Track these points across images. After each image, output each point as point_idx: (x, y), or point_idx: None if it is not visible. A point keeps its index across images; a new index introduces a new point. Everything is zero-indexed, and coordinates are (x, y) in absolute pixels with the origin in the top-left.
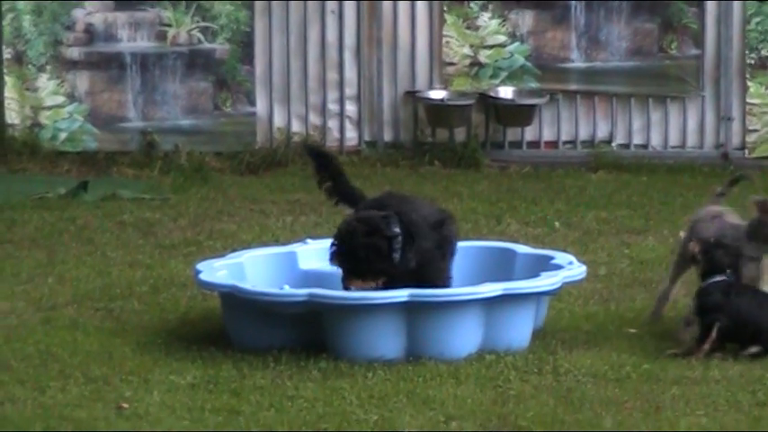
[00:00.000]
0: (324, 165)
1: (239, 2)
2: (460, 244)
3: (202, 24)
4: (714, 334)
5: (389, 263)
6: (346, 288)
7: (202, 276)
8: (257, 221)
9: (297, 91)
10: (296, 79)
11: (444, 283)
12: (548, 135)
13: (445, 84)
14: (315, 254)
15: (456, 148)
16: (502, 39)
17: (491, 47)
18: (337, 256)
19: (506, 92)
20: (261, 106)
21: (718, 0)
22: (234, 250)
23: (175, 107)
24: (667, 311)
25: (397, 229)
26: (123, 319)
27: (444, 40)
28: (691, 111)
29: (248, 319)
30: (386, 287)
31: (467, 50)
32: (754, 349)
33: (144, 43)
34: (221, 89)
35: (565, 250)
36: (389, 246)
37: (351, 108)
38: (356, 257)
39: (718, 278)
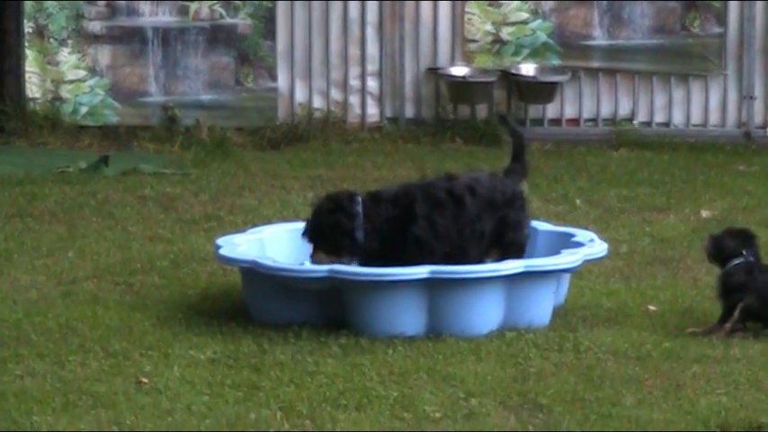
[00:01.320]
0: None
1: None
2: None
3: None
4: (737, 314)
5: (351, 240)
6: (313, 262)
7: (223, 251)
8: (278, 197)
9: (318, 67)
10: (318, 55)
11: (461, 260)
12: (569, 112)
13: (467, 61)
14: None
15: (478, 124)
16: (524, 16)
17: (513, 24)
18: (306, 232)
19: (528, 69)
20: (282, 82)
21: None
22: (254, 225)
23: (197, 82)
24: (690, 290)
25: (359, 209)
26: (143, 293)
27: (466, 16)
28: (713, 89)
29: (269, 295)
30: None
31: (489, 27)
32: None
33: (166, 18)
34: (243, 64)
35: (586, 228)
36: (353, 224)
37: (372, 84)
38: (321, 233)
39: (739, 260)
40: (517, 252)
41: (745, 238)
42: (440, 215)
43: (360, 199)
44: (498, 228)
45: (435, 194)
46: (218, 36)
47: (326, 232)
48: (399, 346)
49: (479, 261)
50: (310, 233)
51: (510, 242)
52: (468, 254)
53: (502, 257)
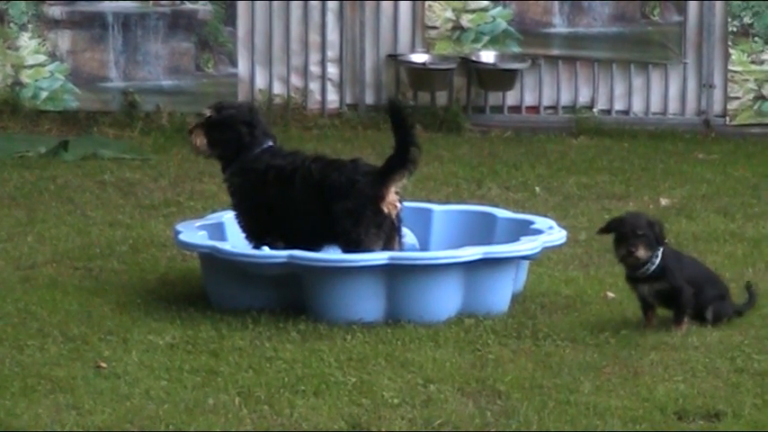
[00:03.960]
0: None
1: None
2: (441, 208)
3: None
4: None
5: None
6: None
7: (182, 237)
8: None
9: (279, 53)
10: (278, 41)
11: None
12: (529, 100)
13: (427, 47)
14: None
15: (437, 111)
16: (484, 3)
17: (473, 11)
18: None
19: (488, 56)
20: (243, 68)
21: None
22: (214, 211)
23: (157, 67)
24: None
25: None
26: (103, 278)
27: (427, 3)
28: (673, 77)
29: (228, 280)
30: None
31: (449, 14)
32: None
33: (126, 3)
34: (203, 50)
35: (545, 215)
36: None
37: (333, 70)
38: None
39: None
40: (348, 244)
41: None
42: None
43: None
44: (328, 216)
45: (282, 165)
46: (178, 22)
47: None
48: (358, 332)
49: (311, 244)
50: (207, 123)
51: (342, 232)
52: (289, 226)
53: (339, 247)
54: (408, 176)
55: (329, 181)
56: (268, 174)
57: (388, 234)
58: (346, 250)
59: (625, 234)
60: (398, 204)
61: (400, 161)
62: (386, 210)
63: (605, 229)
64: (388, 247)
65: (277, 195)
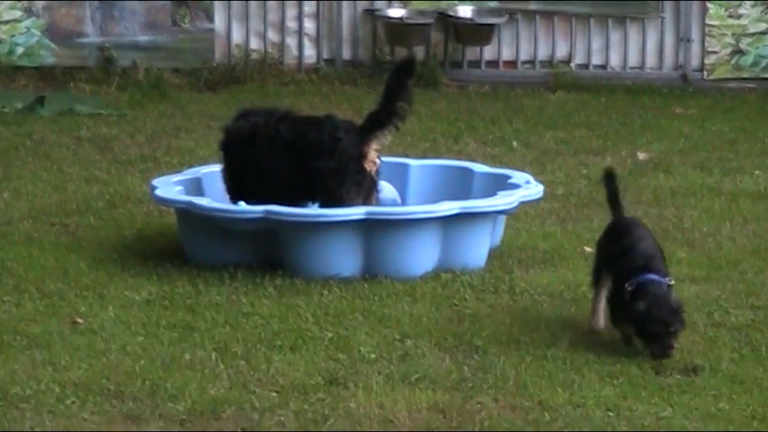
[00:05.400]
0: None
1: None
2: (418, 163)
3: None
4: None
5: None
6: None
7: (159, 192)
8: (215, 138)
9: (255, 8)
10: None
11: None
12: (507, 55)
13: (404, 2)
14: None
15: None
16: None
17: None
18: None
19: (465, 11)
20: (219, 23)
21: None
22: (191, 166)
23: (133, 23)
24: None
25: None
26: (79, 234)
27: None
28: (650, 32)
29: (204, 236)
30: None
31: None
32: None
33: None
34: (180, 5)
35: (522, 170)
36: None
37: (309, 26)
38: None
39: None
40: (330, 202)
41: None
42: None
43: None
44: (305, 173)
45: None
46: None
47: None
48: (335, 288)
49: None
50: None
51: (324, 191)
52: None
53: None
54: (391, 133)
55: (308, 139)
56: (236, 134)
57: (368, 191)
58: (327, 207)
59: (657, 333)
60: (378, 161)
61: (386, 117)
62: (367, 167)
63: (634, 324)
64: (366, 203)
65: (245, 156)
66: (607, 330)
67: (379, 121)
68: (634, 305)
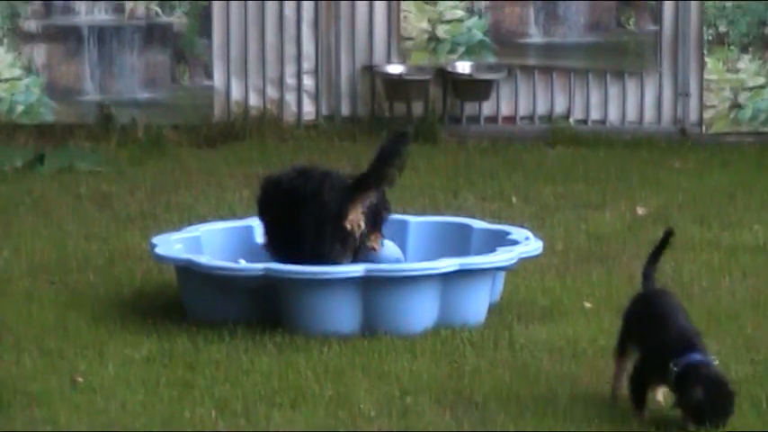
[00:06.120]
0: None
1: None
2: (417, 219)
3: None
4: None
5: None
6: None
7: (158, 250)
8: (214, 194)
9: (254, 64)
10: (253, 53)
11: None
12: (505, 110)
13: (403, 58)
14: None
15: (413, 122)
16: (460, 13)
17: (449, 21)
18: None
19: (464, 66)
20: (218, 79)
21: None
22: (190, 223)
23: (133, 80)
24: (625, 286)
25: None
26: (78, 291)
27: (402, 14)
28: (648, 86)
29: (204, 293)
30: None
31: (425, 25)
32: None
33: (102, 16)
34: (179, 62)
35: (522, 225)
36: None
37: (308, 82)
38: None
39: None
40: (311, 257)
41: None
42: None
43: None
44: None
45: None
46: (153, 34)
47: None
48: (334, 344)
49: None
50: None
51: (305, 245)
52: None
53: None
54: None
55: (297, 191)
56: (264, 186)
57: (355, 251)
58: (310, 263)
59: (716, 419)
60: (362, 223)
61: (374, 180)
62: (348, 227)
63: (689, 410)
64: (355, 262)
65: (270, 209)
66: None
67: (366, 183)
68: (690, 391)
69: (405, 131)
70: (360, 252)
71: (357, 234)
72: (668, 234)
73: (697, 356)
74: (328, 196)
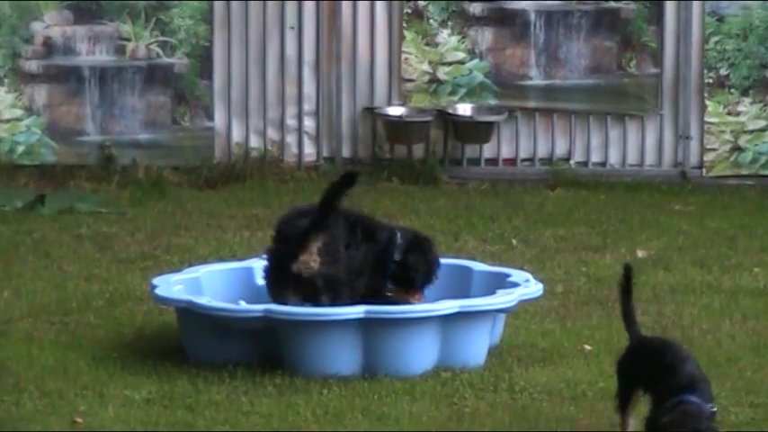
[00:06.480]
0: None
1: (199, 17)
2: None
3: (161, 39)
4: None
5: None
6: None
7: (159, 291)
8: (214, 236)
9: (255, 106)
10: (254, 94)
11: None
12: (506, 152)
13: (404, 100)
14: None
15: (414, 164)
16: (461, 56)
17: (450, 63)
18: None
19: (465, 109)
20: (219, 121)
21: (677, 19)
22: (191, 265)
23: (134, 121)
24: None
25: None
26: (79, 332)
27: (403, 56)
28: (649, 129)
29: (204, 334)
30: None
31: (426, 67)
32: None
33: (103, 57)
34: (179, 103)
35: (522, 267)
36: None
37: (309, 123)
38: None
39: None
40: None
41: None
42: None
43: None
44: None
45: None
46: (154, 75)
47: None
48: (334, 386)
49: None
50: None
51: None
52: None
53: None
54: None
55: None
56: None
57: (306, 293)
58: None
59: None
60: (314, 265)
61: (319, 223)
62: (294, 269)
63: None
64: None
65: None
66: None
67: (322, 226)
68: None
69: (354, 172)
70: (321, 297)
71: (305, 276)
72: (627, 270)
73: (688, 396)
74: (280, 236)
